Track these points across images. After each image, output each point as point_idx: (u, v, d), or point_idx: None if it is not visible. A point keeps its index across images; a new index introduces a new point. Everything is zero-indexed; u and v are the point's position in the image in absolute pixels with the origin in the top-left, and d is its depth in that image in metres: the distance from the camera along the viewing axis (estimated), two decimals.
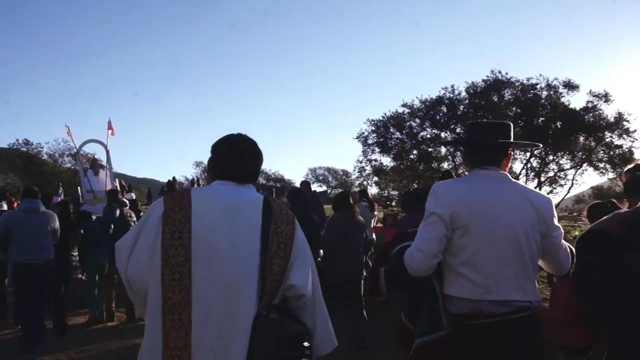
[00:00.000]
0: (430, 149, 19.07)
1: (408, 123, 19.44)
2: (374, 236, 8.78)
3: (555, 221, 2.41)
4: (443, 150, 19.16)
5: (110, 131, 11.39)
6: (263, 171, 43.32)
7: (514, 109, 18.22)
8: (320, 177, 44.68)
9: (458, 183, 2.54)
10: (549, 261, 2.47)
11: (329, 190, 41.75)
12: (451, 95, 18.94)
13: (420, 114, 19.27)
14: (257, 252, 1.83)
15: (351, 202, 6.06)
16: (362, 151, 20.24)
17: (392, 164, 20.12)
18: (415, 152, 19.19)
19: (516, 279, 2.28)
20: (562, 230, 2.46)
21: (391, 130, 19.55)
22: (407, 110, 19.54)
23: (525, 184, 18.78)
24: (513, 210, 2.30)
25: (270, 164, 52.79)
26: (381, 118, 19.67)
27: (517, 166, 18.88)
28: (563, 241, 2.47)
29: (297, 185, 19.72)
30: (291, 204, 5.47)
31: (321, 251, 5.70)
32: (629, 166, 3.13)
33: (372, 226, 8.92)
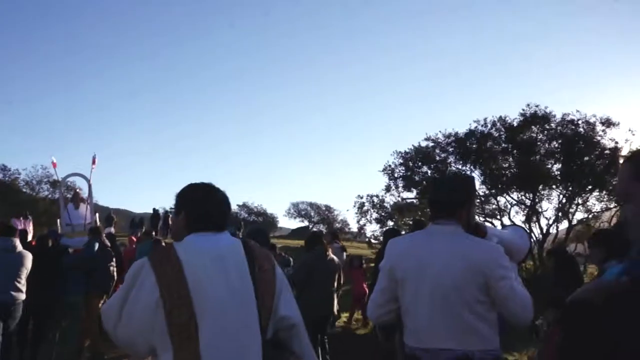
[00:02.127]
0: None
1: (438, 157, 18.56)
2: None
3: (501, 272, 2.42)
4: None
5: (94, 165, 11.76)
6: (245, 205, 43.41)
7: (553, 144, 17.44)
8: (303, 212, 44.83)
9: (403, 239, 2.76)
10: (502, 311, 2.46)
11: (310, 226, 41.95)
12: (483, 129, 17.98)
13: (450, 149, 18.34)
14: (251, 293, 1.94)
15: (323, 241, 6.30)
16: (386, 185, 19.27)
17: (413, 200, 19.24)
18: None
19: (447, 330, 2.40)
20: (512, 281, 2.44)
21: (417, 164, 18.65)
22: (430, 144, 18.63)
23: (554, 224, 17.67)
24: (443, 266, 2.43)
25: (253, 197, 52.45)
26: (407, 150, 18.74)
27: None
28: (518, 289, 2.46)
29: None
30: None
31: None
32: None
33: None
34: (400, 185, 18.91)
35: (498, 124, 17.89)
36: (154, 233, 13.76)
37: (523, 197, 18.39)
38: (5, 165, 30.71)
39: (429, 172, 18.39)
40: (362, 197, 20.64)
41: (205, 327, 1.84)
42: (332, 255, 6.22)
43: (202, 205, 2.09)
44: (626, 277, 1.83)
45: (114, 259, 7.70)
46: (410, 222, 18.36)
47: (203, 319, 1.85)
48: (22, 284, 5.94)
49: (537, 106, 17.45)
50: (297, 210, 44.71)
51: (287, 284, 2.14)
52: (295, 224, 44.97)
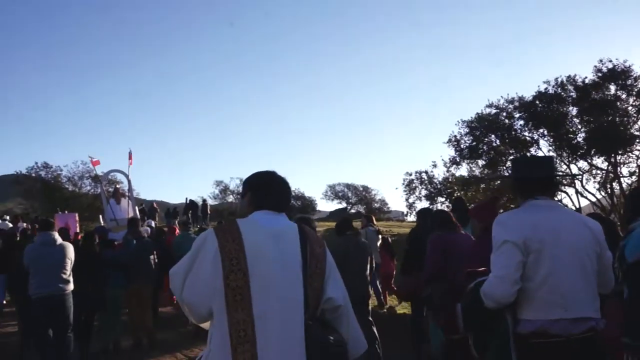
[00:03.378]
0: (531, 152, 16.72)
1: (505, 123, 17.37)
2: (379, 259, 9.12)
3: (605, 243, 2.59)
4: (545, 153, 16.59)
5: (130, 161, 12.25)
6: None
7: (635, 101, 16.18)
8: (340, 194, 44.88)
9: (522, 213, 2.65)
10: (600, 279, 2.56)
11: (348, 207, 42.11)
12: (553, 90, 16.77)
13: (517, 114, 17.15)
14: (300, 271, 2.08)
15: (353, 226, 6.28)
16: (450, 158, 18.19)
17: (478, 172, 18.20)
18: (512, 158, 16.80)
19: (587, 296, 2.46)
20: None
21: (483, 132, 17.52)
22: (494, 111, 17.52)
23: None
24: (575, 234, 2.50)
25: (290, 181, 52.47)
26: (470, 119, 17.59)
27: None
28: None
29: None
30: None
31: None
32: None
33: (378, 250, 9.26)
34: (466, 157, 17.97)
35: (568, 85, 16.68)
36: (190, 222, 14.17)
37: (598, 162, 17.25)
38: (47, 163, 30.83)
39: (496, 140, 17.40)
40: (410, 174, 20.08)
41: (257, 294, 2.02)
42: (363, 240, 6.29)
43: (264, 186, 2.28)
44: None
45: (154, 251, 7.90)
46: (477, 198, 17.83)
47: (256, 287, 2.02)
48: (68, 275, 6.04)
49: (610, 61, 15.90)
50: (334, 192, 44.68)
51: (335, 268, 2.27)
52: (333, 205, 45.00)
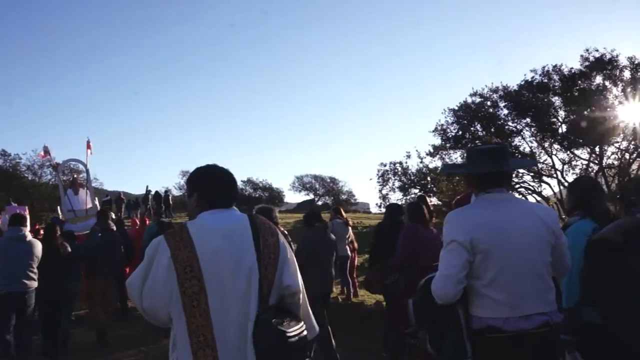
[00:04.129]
0: (514, 143, 17.08)
1: (489, 112, 17.24)
2: (348, 252, 9.26)
3: (560, 228, 2.62)
4: (528, 143, 17.14)
5: (89, 150, 11.99)
6: (250, 180, 43.53)
7: (627, 91, 15.89)
8: (307, 185, 44.87)
9: (472, 210, 2.66)
10: (559, 266, 2.63)
11: (316, 199, 42.17)
12: (542, 79, 16.62)
13: (502, 103, 17.00)
14: (255, 265, 2.12)
15: (322, 218, 6.28)
16: (433, 147, 17.84)
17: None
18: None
19: (537, 292, 2.47)
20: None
21: (468, 121, 17.36)
22: (477, 100, 17.38)
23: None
24: (526, 229, 2.50)
25: (257, 173, 52.28)
26: (456, 108, 17.37)
27: None
28: None
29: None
30: None
31: None
32: None
33: (347, 242, 9.36)
34: (449, 146, 17.71)
35: (553, 74, 16.57)
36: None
37: (581, 153, 17.22)
38: (5, 151, 29.57)
39: (481, 130, 17.22)
40: (385, 165, 19.64)
41: (213, 298, 2.07)
42: (330, 234, 6.29)
43: (209, 185, 2.31)
44: None
45: (121, 244, 7.91)
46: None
47: (212, 291, 2.08)
48: (34, 273, 6.05)
49: (596, 50, 15.96)
50: (302, 184, 44.56)
51: (289, 255, 2.29)
52: (300, 197, 45.05)
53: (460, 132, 17.47)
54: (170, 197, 31.33)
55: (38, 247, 6.18)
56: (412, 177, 20.05)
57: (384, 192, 21.68)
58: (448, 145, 17.84)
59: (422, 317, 2.86)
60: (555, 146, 17.57)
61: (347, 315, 7.83)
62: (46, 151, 12.42)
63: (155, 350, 7.08)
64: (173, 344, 2.16)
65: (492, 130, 16.98)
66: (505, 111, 17.30)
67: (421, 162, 19.16)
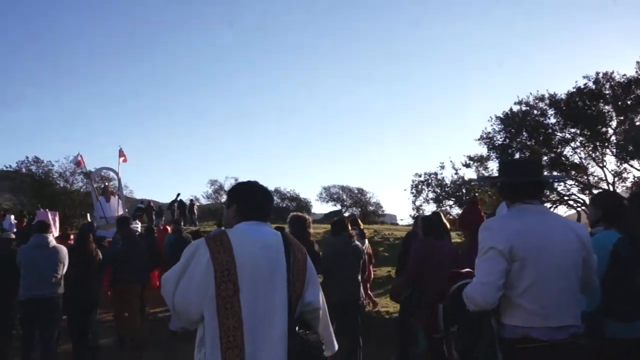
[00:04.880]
0: (565, 152, 16.36)
1: (535, 121, 16.54)
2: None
3: (592, 248, 2.64)
4: (578, 154, 16.41)
5: (122, 158, 12.21)
6: (278, 190, 43.71)
7: None
8: (335, 196, 44.84)
9: (511, 218, 2.65)
10: (585, 283, 2.63)
11: (343, 209, 42.07)
12: (592, 86, 15.78)
13: (551, 111, 16.22)
14: (285, 278, 2.30)
15: (348, 227, 6.33)
16: (468, 157, 17.39)
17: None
18: (546, 158, 16.26)
19: (568, 305, 2.50)
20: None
21: (515, 130, 16.69)
22: (524, 108, 16.72)
23: None
24: (563, 242, 2.52)
25: (285, 183, 52.28)
26: (501, 116, 16.68)
27: None
28: None
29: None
30: (292, 229, 5.63)
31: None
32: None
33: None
34: (494, 157, 16.80)
35: (604, 82, 15.76)
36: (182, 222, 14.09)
37: (634, 164, 16.37)
38: (38, 158, 30.03)
39: (531, 140, 16.52)
40: (420, 176, 19.37)
41: (246, 302, 2.22)
42: (356, 242, 6.29)
43: (249, 198, 2.50)
44: None
45: (144, 249, 7.96)
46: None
47: (245, 295, 2.23)
48: (59, 279, 6.10)
49: None
50: (329, 194, 44.68)
51: (315, 274, 2.49)
52: (328, 208, 45.01)
53: (507, 141, 16.99)
54: (195, 206, 31.41)
55: (62, 252, 6.23)
56: (447, 189, 19.68)
57: (417, 203, 21.52)
58: (495, 154, 17.10)
59: (452, 323, 2.89)
60: (607, 157, 16.84)
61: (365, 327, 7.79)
62: (80, 161, 12.67)
63: (177, 352, 7.20)
64: (201, 342, 2.27)
65: (541, 138, 16.46)
66: (553, 120, 16.70)
67: (456, 173, 18.84)
